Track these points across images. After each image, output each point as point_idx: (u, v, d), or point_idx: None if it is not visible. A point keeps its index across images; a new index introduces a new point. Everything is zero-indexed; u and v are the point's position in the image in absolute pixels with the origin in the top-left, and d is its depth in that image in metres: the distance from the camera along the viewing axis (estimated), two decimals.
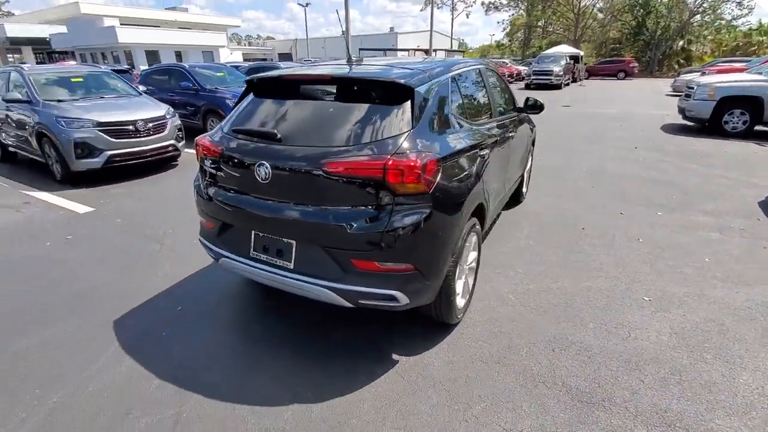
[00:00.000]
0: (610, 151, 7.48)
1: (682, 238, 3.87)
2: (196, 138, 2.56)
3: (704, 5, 36.38)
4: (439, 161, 2.10)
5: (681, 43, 37.74)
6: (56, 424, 1.95)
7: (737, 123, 8.32)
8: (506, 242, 3.82)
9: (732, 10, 36.09)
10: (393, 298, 2.04)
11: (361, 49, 32.35)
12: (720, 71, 14.42)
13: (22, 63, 31.77)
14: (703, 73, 14.38)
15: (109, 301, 2.94)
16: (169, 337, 2.56)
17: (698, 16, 37.51)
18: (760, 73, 8.64)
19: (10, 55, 37.53)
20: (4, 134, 6.67)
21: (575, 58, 26.63)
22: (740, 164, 6.37)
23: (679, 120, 9.55)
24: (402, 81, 2.16)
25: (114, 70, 8.22)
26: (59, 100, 5.99)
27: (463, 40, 78.51)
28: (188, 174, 4.78)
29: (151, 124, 6.02)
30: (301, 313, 2.77)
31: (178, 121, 6.63)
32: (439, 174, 2.10)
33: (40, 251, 3.77)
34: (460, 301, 2.54)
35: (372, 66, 2.59)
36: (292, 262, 2.16)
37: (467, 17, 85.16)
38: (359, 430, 1.90)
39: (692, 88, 8.81)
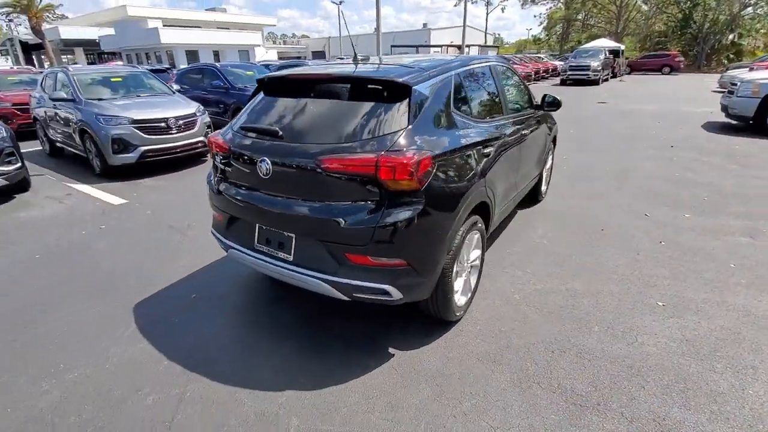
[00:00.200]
0: (645, 150, 7.16)
1: (708, 242, 3.68)
2: (209, 135, 2.69)
3: None
4: (434, 158, 2.12)
5: (731, 36, 35.37)
6: (74, 397, 2.12)
7: None
8: (520, 241, 3.77)
9: None
10: (386, 293, 2.08)
11: (393, 46, 32.21)
12: None
13: (73, 63, 33.89)
14: (752, 69, 13.38)
15: (131, 287, 3.14)
16: (182, 323, 2.71)
17: (750, 9, 35.00)
18: None
19: (64, 56, 40.01)
20: (52, 130, 7.19)
21: (615, 53, 25.53)
22: None
23: (723, 118, 9.00)
24: (400, 79, 2.19)
25: (151, 70, 8.66)
26: (100, 99, 6.39)
27: (498, 35, 76.95)
28: None
29: (182, 122, 6.32)
30: (307, 306, 2.86)
31: (208, 119, 6.93)
32: (434, 171, 2.12)
33: (76, 239, 4.07)
34: (459, 299, 2.54)
35: (375, 65, 2.63)
36: (292, 254, 2.24)
37: (502, 11, 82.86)
38: (347, 418, 1.96)
39: (736, 84, 8.26)
